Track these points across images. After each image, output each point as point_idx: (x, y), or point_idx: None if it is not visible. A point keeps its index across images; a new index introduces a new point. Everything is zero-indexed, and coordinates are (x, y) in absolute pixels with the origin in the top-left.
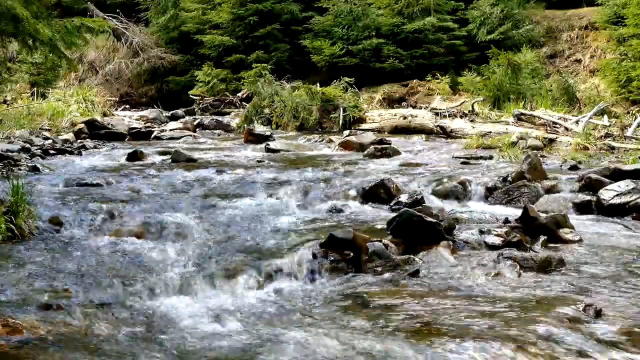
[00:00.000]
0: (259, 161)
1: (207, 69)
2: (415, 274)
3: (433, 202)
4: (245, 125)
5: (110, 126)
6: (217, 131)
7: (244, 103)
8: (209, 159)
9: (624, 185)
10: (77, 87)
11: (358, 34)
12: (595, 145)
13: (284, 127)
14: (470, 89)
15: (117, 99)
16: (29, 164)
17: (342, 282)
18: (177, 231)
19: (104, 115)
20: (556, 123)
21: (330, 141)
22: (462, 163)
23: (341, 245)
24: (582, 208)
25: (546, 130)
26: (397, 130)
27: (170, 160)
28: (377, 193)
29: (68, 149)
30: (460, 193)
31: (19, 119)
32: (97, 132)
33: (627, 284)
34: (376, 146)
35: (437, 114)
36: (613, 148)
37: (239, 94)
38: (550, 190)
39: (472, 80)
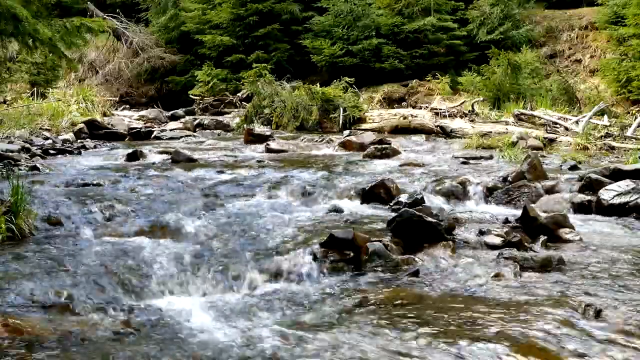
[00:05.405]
0: (259, 161)
1: (207, 69)
2: (415, 274)
3: (433, 202)
4: (245, 125)
5: (110, 126)
6: (217, 131)
7: (244, 103)
8: (209, 159)
9: (624, 185)
10: (77, 87)
11: (358, 34)
12: (595, 145)
13: (284, 127)
14: (470, 89)
15: (117, 98)
16: (29, 164)
17: (342, 282)
18: (176, 231)
19: (104, 115)
20: (556, 123)
21: (330, 141)
22: (462, 163)
23: (341, 245)
24: (582, 208)
25: (546, 130)
26: (397, 130)
27: (170, 160)
28: (377, 193)
29: (68, 149)
30: (460, 193)
31: (19, 119)
32: (97, 132)
33: (627, 284)
34: (376, 146)
35: (437, 114)
36: (613, 148)
37: (239, 94)
38: (550, 190)
39: (472, 80)
